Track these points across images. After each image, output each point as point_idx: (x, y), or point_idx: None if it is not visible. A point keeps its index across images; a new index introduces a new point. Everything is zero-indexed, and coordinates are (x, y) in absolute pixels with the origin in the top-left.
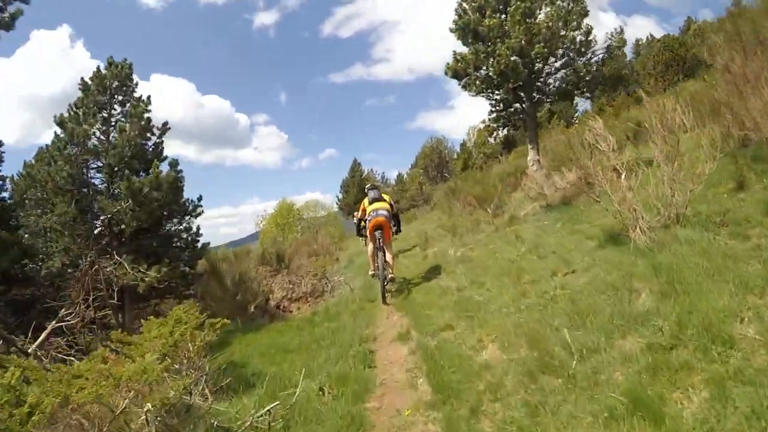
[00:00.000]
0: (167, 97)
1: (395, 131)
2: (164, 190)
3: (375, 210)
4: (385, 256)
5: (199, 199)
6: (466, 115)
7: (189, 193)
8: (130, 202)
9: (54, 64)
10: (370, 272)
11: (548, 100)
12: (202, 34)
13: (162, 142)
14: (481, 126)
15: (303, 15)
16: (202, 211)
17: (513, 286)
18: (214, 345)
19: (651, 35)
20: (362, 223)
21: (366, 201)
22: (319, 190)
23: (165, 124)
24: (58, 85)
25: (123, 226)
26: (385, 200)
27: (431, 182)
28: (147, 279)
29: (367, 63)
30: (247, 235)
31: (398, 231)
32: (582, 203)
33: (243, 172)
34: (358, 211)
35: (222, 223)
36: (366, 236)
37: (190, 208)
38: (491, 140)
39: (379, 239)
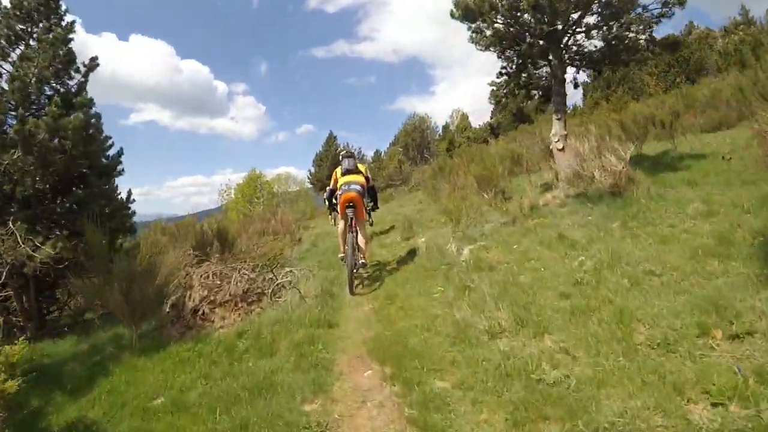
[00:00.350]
0: (145, 58)
1: (374, 112)
2: (71, 139)
3: (347, 183)
4: (356, 238)
5: (119, 154)
6: (447, 102)
7: (163, 160)
8: (22, 153)
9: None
10: (339, 255)
11: (578, 64)
12: None
13: (86, 82)
14: (467, 110)
15: None
16: (123, 170)
17: (626, 358)
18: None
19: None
20: (334, 197)
21: (338, 171)
22: (295, 165)
23: (94, 59)
24: None
25: (15, 185)
26: (360, 172)
27: (411, 162)
28: (37, 257)
29: (351, 40)
30: (216, 206)
31: (375, 207)
32: (642, 195)
33: (218, 142)
34: (330, 181)
35: (193, 192)
36: (336, 212)
37: (110, 166)
38: (478, 125)
39: (351, 218)
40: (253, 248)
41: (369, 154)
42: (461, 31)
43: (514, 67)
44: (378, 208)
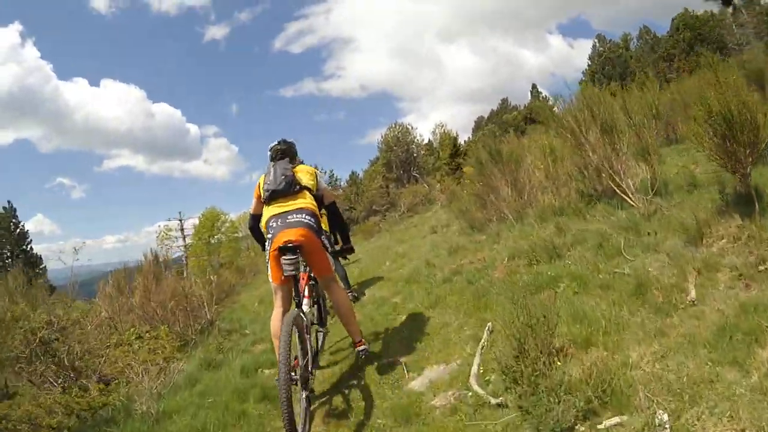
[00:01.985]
0: (117, 103)
1: (346, 146)
2: None
3: (281, 215)
4: (321, 312)
5: None
6: (417, 132)
7: (139, 205)
8: None
9: (4, 60)
10: (276, 377)
11: None
12: (154, 43)
13: None
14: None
15: (254, 29)
16: None
17: None
18: None
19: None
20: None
21: (261, 183)
22: None
23: None
24: (5, 83)
25: None
26: (302, 188)
27: (396, 183)
28: None
29: (318, 78)
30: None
31: (346, 248)
32: None
33: (192, 185)
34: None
35: (176, 235)
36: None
37: None
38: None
39: (294, 277)
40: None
41: (343, 176)
42: (424, 63)
43: None
44: (352, 250)
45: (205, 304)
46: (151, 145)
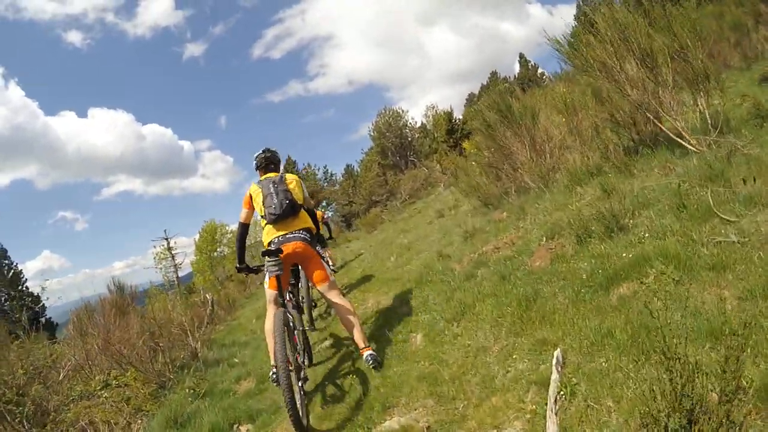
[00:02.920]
0: (107, 130)
1: (339, 143)
2: None
3: (283, 236)
4: (302, 327)
5: None
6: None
7: (143, 228)
8: None
9: None
10: (271, 372)
11: None
12: (135, 67)
13: None
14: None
15: (231, 41)
16: None
17: None
18: None
19: None
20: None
21: (255, 195)
22: None
23: None
24: None
25: None
26: (299, 207)
27: (393, 170)
28: None
29: (303, 79)
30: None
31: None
32: None
33: (193, 201)
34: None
35: (177, 254)
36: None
37: None
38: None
39: (278, 277)
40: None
41: (338, 171)
42: (408, 50)
43: None
44: (331, 238)
45: (189, 332)
46: (147, 167)
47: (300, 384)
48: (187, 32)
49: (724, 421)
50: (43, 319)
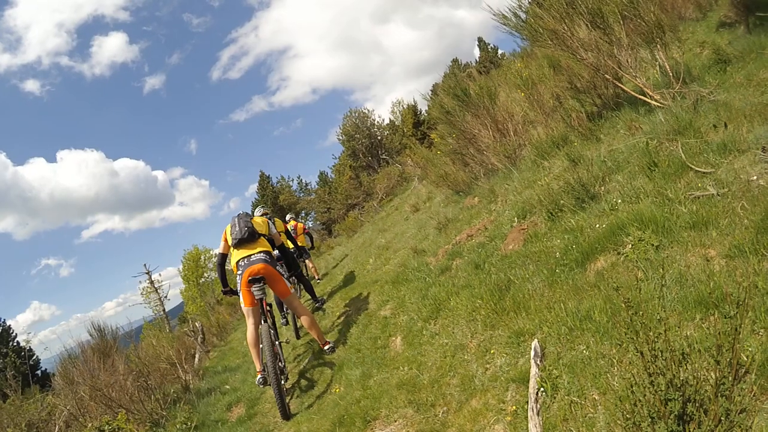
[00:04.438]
0: (78, 171)
1: (311, 151)
2: None
3: (245, 258)
4: (272, 333)
5: None
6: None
7: (129, 263)
8: None
9: None
10: (257, 378)
11: None
12: (98, 106)
13: None
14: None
15: (189, 68)
16: None
17: None
18: None
19: None
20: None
21: (227, 231)
22: None
23: None
24: None
25: None
26: (260, 235)
27: (368, 170)
28: None
29: (265, 94)
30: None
31: (291, 274)
32: None
33: (174, 230)
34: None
35: (168, 285)
36: (239, 296)
37: None
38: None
39: (263, 301)
40: None
41: (313, 180)
42: (368, 50)
43: None
44: (294, 273)
45: (178, 365)
46: (124, 202)
47: (282, 382)
48: (144, 65)
49: (723, 418)
50: (39, 372)
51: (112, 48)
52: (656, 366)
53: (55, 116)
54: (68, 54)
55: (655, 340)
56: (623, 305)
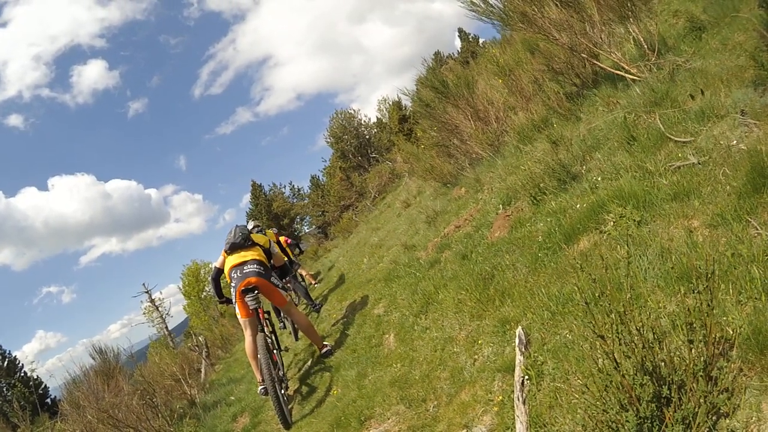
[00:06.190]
0: (71, 196)
1: (301, 157)
2: None
3: (239, 266)
4: (271, 341)
5: None
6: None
7: (130, 284)
8: None
9: None
10: (259, 388)
11: None
12: (85, 133)
13: None
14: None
15: (170, 89)
16: None
17: None
18: None
19: None
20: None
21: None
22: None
23: None
24: None
25: None
26: (255, 244)
27: (358, 170)
28: None
29: (249, 105)
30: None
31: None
32: None
33: (173, 247)
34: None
35: (173, 302)
36: (235, 308)
37: None
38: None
39: (259, 311)
40: None
41: (306, 184)
42: (348, 51)
43: None
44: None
45: (182, 380)
46: (120, 224)
47: (282, 391)
48: (126, 90)
49: (702, 400)
50: (48, 400)
51: (92, 75)
52: (623, 348)
53: (42, 146)
54: (48, 86)
55: (620, 321)
56: (596, 286)
